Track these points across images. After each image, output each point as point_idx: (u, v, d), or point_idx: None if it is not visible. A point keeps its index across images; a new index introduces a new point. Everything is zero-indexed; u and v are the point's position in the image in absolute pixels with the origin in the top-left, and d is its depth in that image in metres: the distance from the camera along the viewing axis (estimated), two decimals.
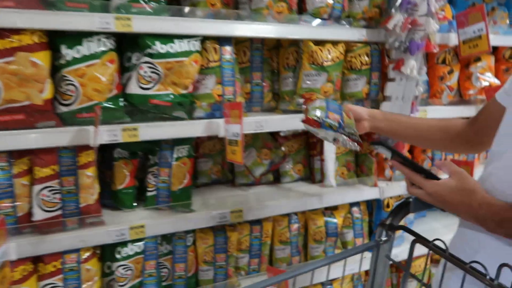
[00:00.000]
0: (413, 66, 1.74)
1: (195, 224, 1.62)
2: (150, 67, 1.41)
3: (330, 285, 2.05)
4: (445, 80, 2.16)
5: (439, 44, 2.01)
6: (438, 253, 1.01)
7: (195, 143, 1.91)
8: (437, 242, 1.05)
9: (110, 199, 1.64)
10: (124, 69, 1.50)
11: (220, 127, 1.57)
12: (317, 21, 1.68)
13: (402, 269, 1.14)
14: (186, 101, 1.51)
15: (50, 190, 1.38)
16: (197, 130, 1.55)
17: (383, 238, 1.20)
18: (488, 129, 1.08)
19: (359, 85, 1.84)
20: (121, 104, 1.43)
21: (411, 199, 1.26)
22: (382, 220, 1.24)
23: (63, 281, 1.43)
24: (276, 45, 1.84)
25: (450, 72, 2.16)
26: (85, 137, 1.36)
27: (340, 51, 1.74)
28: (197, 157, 1.92)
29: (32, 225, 1.40)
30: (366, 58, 1.82)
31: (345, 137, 1.12)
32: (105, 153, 1.66)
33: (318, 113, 1.09)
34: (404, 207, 1.26)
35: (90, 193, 1.44)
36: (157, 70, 1.42)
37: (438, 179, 0.97)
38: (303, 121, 1.11)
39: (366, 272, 2.21)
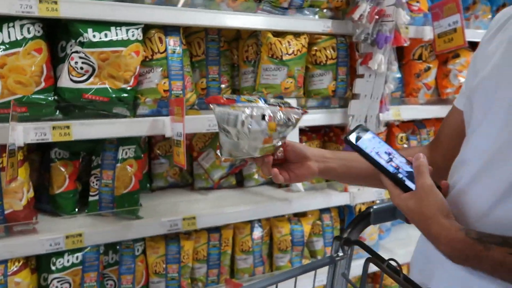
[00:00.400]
0: (381, 60, 1.61)
1: (141, 233, 1.48)
2: (81, 58, 1.27)
3: None
4: (422, 77, 2.03)
5: (414, 38, 1.89)
6: (392, 276, 0.88)
7: (149, 143, 1.78)
8: (392, 262, 0.92)
9: (49, 204, 1.49)
10: (58, 60, 1.36)
11: (167, 125, 1.43)
12: (276, 10, 1.54)
13: None
14: (127, 96, 1.37)
15: None
16: (140, 129, 1.41)
17: (340, 254, 1.07)
18: (456, 148, 0.88)
19: (325, 82, 1.71)
20: (51, 99, 1.29)
21: (371, 210, 1.13)
22: (337, 235, 1.11)
23: None
24: (236, 37, 1.71)
25: (427, 69, 2.03)
26: (5, 136, 1.21)
27: (302, 44, 1.61)
28: (152, 159, 1.78)
29: None
30: (332, 52, 1.69)
31: (274, 109, 0.88)
32: (45, 153, 1.52)
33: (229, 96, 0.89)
34: (364, 218, 1.13)
35: (17, 198, 1.30)
36: (90, 61, 1.28)
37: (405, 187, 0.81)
38: (207, 100, 0.87)
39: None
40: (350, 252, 1.09)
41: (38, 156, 1.55)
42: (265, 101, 0.91)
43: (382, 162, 0.81)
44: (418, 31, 1.87)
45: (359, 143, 0.82)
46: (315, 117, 1.70)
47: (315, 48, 1.69)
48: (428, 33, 1.88)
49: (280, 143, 0.91)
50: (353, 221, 1.09)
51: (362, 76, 1.70)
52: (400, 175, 0.81)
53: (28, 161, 1.42)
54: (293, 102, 1.64)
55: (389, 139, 2.04)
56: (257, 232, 1.77)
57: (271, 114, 0.86)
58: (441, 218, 0.75)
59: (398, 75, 1.94)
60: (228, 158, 0.94)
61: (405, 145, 2.07)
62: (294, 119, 0.90)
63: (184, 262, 1.61)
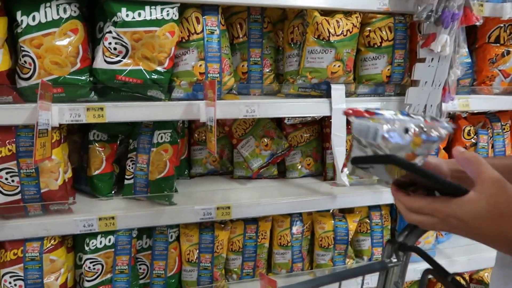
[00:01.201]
0: (446, 42, 1.40)
1: (173, 219, 1.44)
2: (114, 38, 1.24)
3: None
4: (498, 63, 1.75)
5: (490, 18, 1.63)
6: None
7: (189, 129, 1.73)
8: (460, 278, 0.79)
9: (87, 185, 1.51)
10: (97, 41, 1.34)
11: (202, 110, 1.36)
12: None
13: None
14: (161, 79, 1.32)
15: (8, 172, 1.26)
16: (175, 112, 1.36)
17: (393, 260, 0.95)
18: None
19: (379, 66, 1.53)
20: (86, 80, 1.27)
21: None
22: (391, 238, 0.98)
23: (23, 271, 1.32)
24: (282, 18, 1.58)
25: (506, 53, 1.75)
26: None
27: (353, 23, 1.44)
28: (192, 144, 1.74)
29: None
30: (388, 33, 1.50)
31: (420, 120, 0.76)
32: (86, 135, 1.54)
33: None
34: None
35: (54, 178, 1.31)
36: (123, 42, 1.24)
37: (460, 191, 0.62)
38: (346, 113, 0.80)
39: None
40: (406, 259, 0.96)
41: (80, 137, 1.57)
42: (407, 114, 0.80)
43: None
44: (495, 8, 1.60)
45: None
46: (366, 106, 1.54)
47: (368, 28, 1.51)
48: (508, 11, 1.60)
49: (422, 162, 0.78)
50: (410, 224, 0.95)
51: (423, 60, 1.49)
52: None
53: (68, 142, 1.44)
54: (341, 87, 1.50)
55: (455, 133, 1.81)
56: (297, 227, 1.66)
57: (416, 128, 0.74)
58: None
59: (468, 59, 1.70)
60: (358, 174, 0.86)
61: (473, 140, 1.82)
62: (442, 134, 0.77)
63: (218, 252, 1.55)
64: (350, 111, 0.79)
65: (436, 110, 1.47)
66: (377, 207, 1.78)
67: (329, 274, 0.91)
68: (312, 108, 1.50)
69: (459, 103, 1.61)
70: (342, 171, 0.84)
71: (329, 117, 1.74)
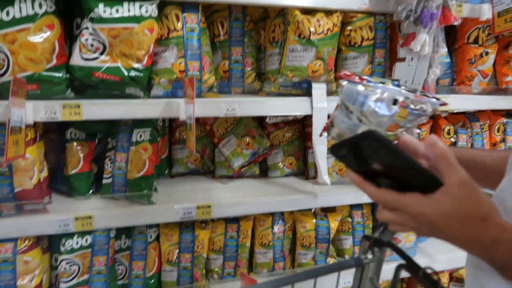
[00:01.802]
0: (425, 41, 1.41)
1: (152, 219, 1.42)
2: (91, 34, 1.21)
3: None
4: (477, 63, 1.78)
5: (469, 18, 1.65)
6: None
7: (170, 128, 1.71)
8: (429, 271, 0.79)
9: (64, 184, 1.48)
10: (74, 38, 1.31)
11: (181, 108, 1.35)
12: None
13: None
14: (140, 76, 1.30)
15: None
16: (154, 110, 1.34)
17: (368, 257, 0.95)
18: None
19: (359, 65, 1.54)
20: (62, 76, 1.24)
21: None
22: (366, 234, 0.99)
23: None
24: (263, 17, 1.58)
25: (484, 54, 1.78)
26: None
27: (334, 22, 1.44)
28: (173, 143, 1.72)
29: None
30: (369, 32, 1.51)
31: (409, 93, 0.75)
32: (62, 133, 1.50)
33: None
34: None
35: (28, 177, 1.28)
36: (100, 38, 1.22)
37: (435, 182, 0.60)
38: (338, 76, 0.80)
39: None
40: (381, 255, 0.96)
41: (57, 136, 1.54)
42: (398, 85, 0.80)
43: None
44: (474, 9, 1.62)
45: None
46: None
47: (349, 28, 1.52)
48: (486, 11, 1.63)
49: (402, 134, 0.76)
50: None
51: (403, 59, 1.51)
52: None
53: (45, 140, 1.41)
54: (322, 86, 1.50)
55: (435, 132, 1.83)
56: (279, 226, 1.66)
57: (404, 100, 0.73)
58: (498, 218, 0.59)
59: (447, 59, 1.72)
60: (335, 140, 0.85)
61: (453, 139, 1.84)
62: (430, 110, 0.76)
63: (198, 252, 1.54)
64: (343, 75, 0.80)
65: None
66: (359, 206, 1.78)
67: (304, 271, 0.91)
68: (293, 107, 1.49)
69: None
70: (321, 135, 0.84)
71: (311, 116, 1.74)
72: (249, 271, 1.70)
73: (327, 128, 0.87)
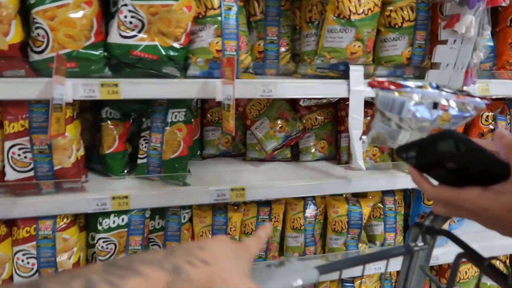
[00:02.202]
0: (471, 23, 1.35)
1: (187, 200, 1.42)
2: (130, 11, 1.20)
3: (351, 283, 1.76)
4: None
5: None
6: (496, 280, 0.71)
7: (201, 109, 1.70)
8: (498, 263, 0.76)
9: (99, 164, 1.49)
10: (110, 15, 1.30)
11: (218, 88, 1.33)
12: None
13: None
14: (177, 55, 1.28)
15: (20, 148, 1.24)
16: (190, 91, 1.32)
17: (419, 244, 0.93)
18: None
19: (399, 47, 1.49)
20: (100, 54, 1.24)
21: None
22: (418, 221, 0.96)
23: (36, 249, 1.31)
24: None
25: None
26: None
27: (374, 2, 1.39)
28: (204, 125, 1.71)
29: (4, 185, 1.28)
30: (410, 13, 1.46)
31: (451, 94, 0.72)
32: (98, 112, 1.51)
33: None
34: None
35: (67, 155, 1.29)
36: (139, 15, 1.20)
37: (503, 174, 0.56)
38: (370, 84, 0.76)
39: (398, 271, 1.89)
40: (433, 243, 0.94)
41: (92, 115, 1.54)
42: (437, 87, 0.77)
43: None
44: None
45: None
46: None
47: (389, 8, 1.46)
48: None
49: None
50: None
51: (445, 42, 1.45)
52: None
53: (80, 119, 1.41)
54: (359, 68, 1.46)
55: (472, 118, 1.77)
56: (311, 210, 1.64)
57: (445, 103, 0.70)
58: None
59: (490, 42, 1.65)
60: (375, 144, 0.83)
61: (491, 126, 1.78)
62: (473, 111, 0.73)
63: (231, 234, 1.54)
64: (375, 83, 0.76)
65: None
66: (391, 192, 1.75)
67: (354, 257, 0.89)
68: (329, 89, 1.46)
69: (479, 88, 1.57)
70: (360, 139, 0.82)
71: (345, 100, 1.71)
72: (280, 254, 1.69)
73: (366, 133, 0.84)
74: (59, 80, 1.11)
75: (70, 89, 1.21)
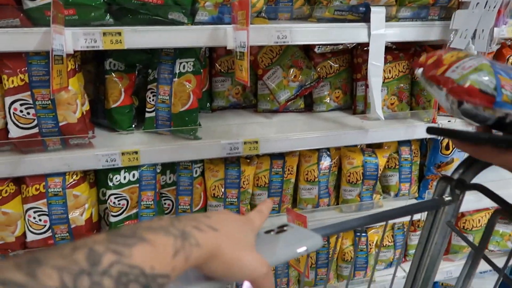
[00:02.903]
0: None
1: (199, 154, 1.37)
2: None
3: (364, 233, 1.76)
4: None
5: None
6: None
7: (210, 58, 1.60)
8: None
9: (105, 118, 1.42)
10: None
11: (229, 35, 1.23)
12: None
13: (472, 248, 0.82)
14: None
15: (22, 104, 1.17)
16: (199, 38, 1.22)
17: (446, 199, 0.88)
18: None
19: None
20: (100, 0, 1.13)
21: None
22: (446, 175, 0.91)
23: (47, 206, 1.28)
24: None
25: None
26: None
27: None
28: (213, 76, 1.62)
29: (9, 142, 1.22)
30: None
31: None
32: (100, 65, 1.42)
33: (485, 77, 0.58)
34: None
35: (71, 110, 1.22)
36: None
37: None
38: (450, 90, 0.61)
39: (412, 221, 1.88)
40: (462, 198, 0.89)
41: (94, 67, 1.46)
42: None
43: None
44: None
45: None
46: (405, 31, 1.40)
47: None
48: None
49: None
50: (467, 159, 0.87)
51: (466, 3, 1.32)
52: None
53: (83, 72, 1.33)
54: (381, 10, 1.34)
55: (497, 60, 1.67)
56: (325, 162, 1.59)
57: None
58: None
59: None
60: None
61: None
62: None
63: (244, 187, 1.51)
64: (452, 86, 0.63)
65: (488, 36, 1.32)
66: (407, 142, 1.70)
67: (378, 213, 0.85)
68: (348, 34, 1.35)
69: (508, 29, 1.46)
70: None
71: (362, 46, 1.61)
72: (293, 206, 1.67)
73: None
74: (58, 30, 1.02)
75: (70, 39, 1.12)
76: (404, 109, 1.61)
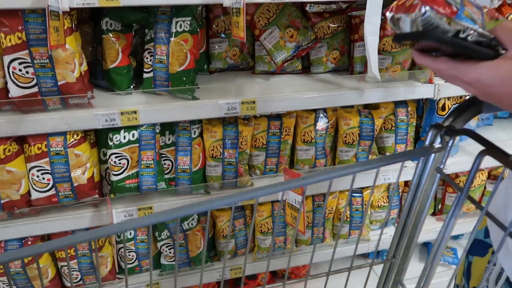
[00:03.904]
0: None
1: (198, 114, 1.39)
2: None
3: (360, 194, 1.80)
4: None
5: None
6: None
7: (206, 19, 1.60)
8: None
9: (103, 79, 1.43)
10: None
11: None
12: None
13: (457, 189, 0.85)
14: None
15: (21, 63, 1.18)
16: None
17: (437, 145, 0.90)
18: None
19: None
20: None
21: None
22: (437, 123, 0.92)
23: (50, 165, 1.32)
24: None
25: None
26: None
27: None
28: (210, 37, 1.62)
29: (10, 102, 1.24)
30: None
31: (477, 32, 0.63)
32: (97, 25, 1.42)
33: None
34: (474, 105, 0.93)
35: (70, 69, 1.23)
36: None
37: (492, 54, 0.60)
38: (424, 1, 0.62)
39: (406, 182, 1.93)
40: (452, 144, 0.92)
41: (91, 29, 1.45)
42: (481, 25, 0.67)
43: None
44: None
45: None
46: None
47: None
48: None
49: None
50: (458, 108, 0.89)
51: None
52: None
53: (80, 33, 1.33)
54: None
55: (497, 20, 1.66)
56: (322, 123, 1.62)
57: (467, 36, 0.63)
58: None
59: None
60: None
61: None
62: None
63: (242, 148, 1.54)
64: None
65: None
66: (404, 103, 1.72)
67: (369, 160, 0.88)
68: None
69: None
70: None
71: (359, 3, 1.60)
72: (290, 167, 1.71)
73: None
74: None
75: None
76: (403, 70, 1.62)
